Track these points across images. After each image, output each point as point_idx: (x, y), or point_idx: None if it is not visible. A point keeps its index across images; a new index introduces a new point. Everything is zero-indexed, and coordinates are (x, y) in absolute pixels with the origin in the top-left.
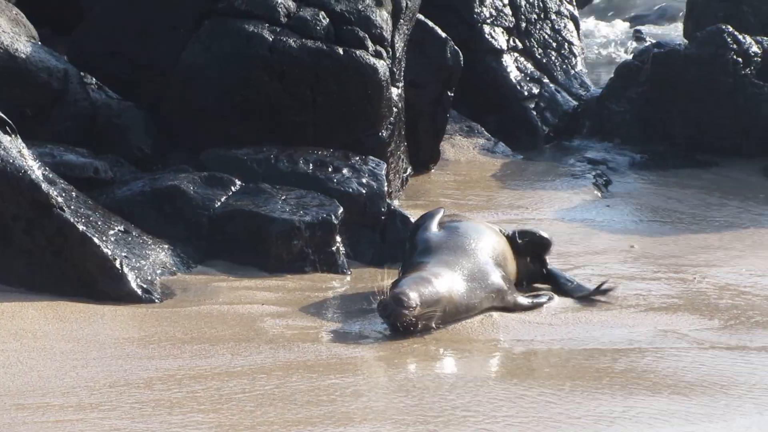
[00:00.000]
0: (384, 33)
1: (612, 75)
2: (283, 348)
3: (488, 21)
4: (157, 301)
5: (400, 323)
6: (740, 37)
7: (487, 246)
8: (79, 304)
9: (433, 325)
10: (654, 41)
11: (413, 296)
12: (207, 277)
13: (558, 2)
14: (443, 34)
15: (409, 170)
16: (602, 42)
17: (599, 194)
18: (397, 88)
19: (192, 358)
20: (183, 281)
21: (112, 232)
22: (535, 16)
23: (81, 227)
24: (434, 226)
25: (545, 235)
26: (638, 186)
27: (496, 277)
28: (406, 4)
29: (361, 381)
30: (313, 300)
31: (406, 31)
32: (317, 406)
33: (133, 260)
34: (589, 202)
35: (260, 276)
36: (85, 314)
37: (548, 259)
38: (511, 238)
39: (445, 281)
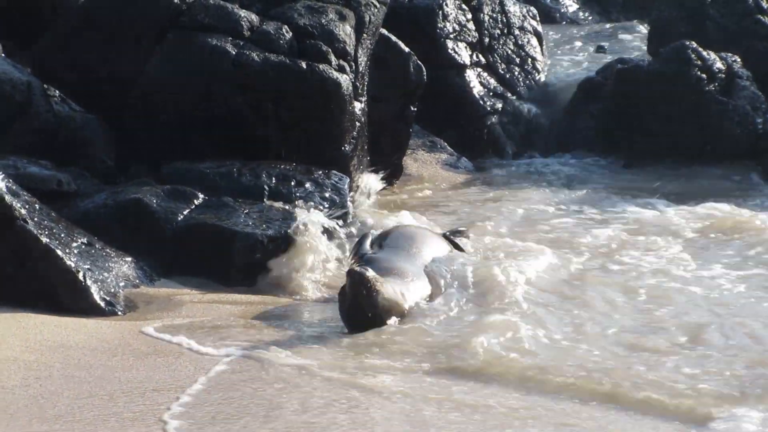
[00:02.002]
0: (347, 47)
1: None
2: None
3: (452, 36)
4: (120, 313)
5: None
6: (704, 53)
7: (426, 246)
8: (43, 315)
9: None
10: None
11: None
12: (170, 290)
13: (522, 18)
14: (406, 49)
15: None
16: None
17: (558, 205)
18: (360, 102)
19: (155, 371)
20: (146, 294)
21: (75, 244)
22: (498, 31)
23: (44, 239)
24: (366, 246)
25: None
26: (600, 196)
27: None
28: (369, 18)
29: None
30: (275, 312)
31: (370, 46)
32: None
33: (97, 273)
34: (548, 213)
35: (223, 289)
36: (48, 326)
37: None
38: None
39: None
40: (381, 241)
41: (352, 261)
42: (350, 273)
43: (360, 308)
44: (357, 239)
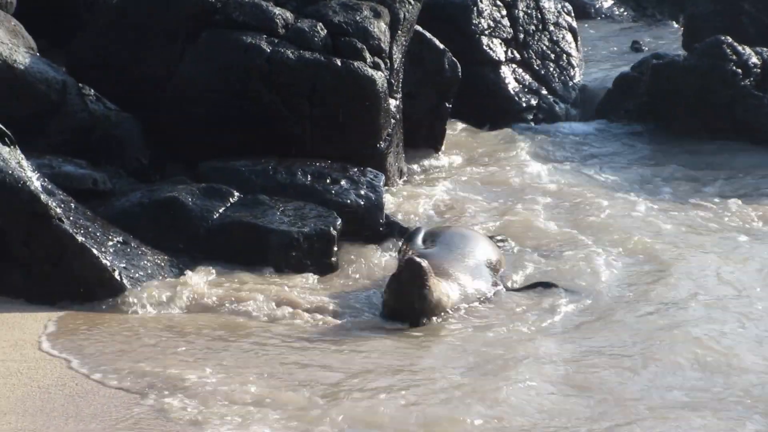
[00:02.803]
0: (382, 44)
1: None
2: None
3: (486, 32)
4: (154, 312)
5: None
6: (739, 48)
7: (475, 250)
8: (79, 314)
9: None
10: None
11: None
12: (206, 287)
13: (556, 14)
14: (441, 46)
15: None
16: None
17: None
18: (395, 99)
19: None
20: (181, 292)
21: (110, 243)
22: (533, 27)
23: (80, 238)
24: (419, 241)
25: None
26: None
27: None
28: (404, 15)
29: None
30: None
31: (404, 43)
32: None
33: (132, 271)
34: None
35: (258, 289)
36: (85, 323)
37: None
38: None
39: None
40: (433, 238)
41: (405, 251)
42: (410, 262)
43: (410, 299)
44: (409, 232)
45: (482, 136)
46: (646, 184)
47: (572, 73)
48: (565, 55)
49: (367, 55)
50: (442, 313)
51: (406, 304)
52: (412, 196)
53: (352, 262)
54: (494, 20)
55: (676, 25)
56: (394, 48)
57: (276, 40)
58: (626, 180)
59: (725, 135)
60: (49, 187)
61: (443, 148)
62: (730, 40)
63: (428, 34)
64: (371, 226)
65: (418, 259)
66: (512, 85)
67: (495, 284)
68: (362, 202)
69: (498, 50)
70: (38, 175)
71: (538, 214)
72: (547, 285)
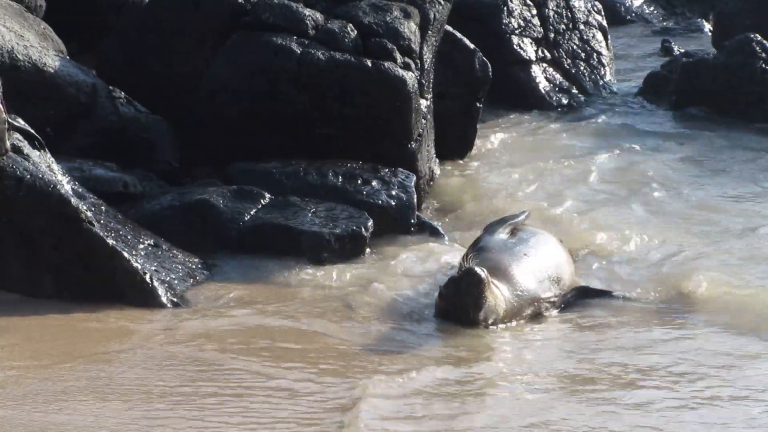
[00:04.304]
0: (412, 45)
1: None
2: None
3: (517, 32)
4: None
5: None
6: None
7: (544, 259)
8: (109, 318)
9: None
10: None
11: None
12: (238, 289)
13: (586, 13)
14: (472, 45)
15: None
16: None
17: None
18: (426, 99)
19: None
20: (213, 294)
21: (141, 246)
22: (563, 26)
23: (111, 241)
24: (503, 231)
25: None
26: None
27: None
28: (434, 15)
29: None
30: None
31: (435, 43)
32: None
33: (163, 274)
34: None
35: (289, 287)
36: (115, 331)
37: None
38: None
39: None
40: (515, 231)
41: (468, 258)
42: (470, 272)
43: (465, 306)
44: (499, 218)
45: (515, 132)
46: None
47: (603, 72)
48: (595, 54)
49: (398, 55)
50: (494, 320)
51: (460, 310)
52: (444, 196)
53: (384, 263)
54: (524, 19)
55: (707, 26)
56: (425, 48)
57: (306, 42)
58: None
59: (755, 133)
60: (80, 190)
61: (474, 149)
62: (759, 37)
63: (458, 34)
64: (403, 226)
65: (479, 270)
66: (543, 85)
67: (554, 299)
68: (394, 203)
69: (528, 49)
70: (68, 178)
71: (584, 212)
72: (593, 292)
